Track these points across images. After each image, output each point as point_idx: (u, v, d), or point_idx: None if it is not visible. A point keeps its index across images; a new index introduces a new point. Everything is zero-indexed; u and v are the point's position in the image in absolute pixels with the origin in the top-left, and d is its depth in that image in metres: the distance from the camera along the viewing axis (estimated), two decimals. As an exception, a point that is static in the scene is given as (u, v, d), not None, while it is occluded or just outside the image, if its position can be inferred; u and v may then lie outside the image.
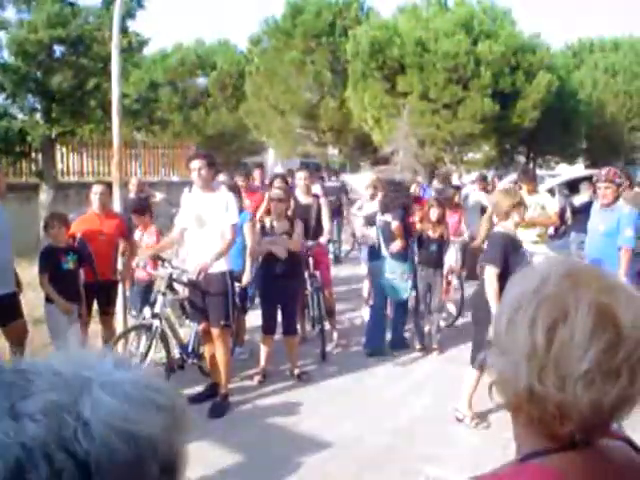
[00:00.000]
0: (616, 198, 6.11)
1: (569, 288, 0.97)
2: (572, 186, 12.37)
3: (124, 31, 13.92)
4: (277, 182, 7.43)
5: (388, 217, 6.99)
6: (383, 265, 7.01)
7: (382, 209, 7.18)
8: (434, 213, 7.07)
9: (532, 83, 21.30)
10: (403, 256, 6.99)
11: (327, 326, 7.36)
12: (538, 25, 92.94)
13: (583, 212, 7.70)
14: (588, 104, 27.33)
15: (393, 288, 7.04)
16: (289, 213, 6.71)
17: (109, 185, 6.55)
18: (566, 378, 0.93)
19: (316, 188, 8.77)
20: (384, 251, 7.01)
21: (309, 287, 7.09)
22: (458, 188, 9.26)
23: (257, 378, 6.24)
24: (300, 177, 7.42)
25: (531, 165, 26.52)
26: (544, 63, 22.33)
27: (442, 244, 7.15)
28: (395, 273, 6.98)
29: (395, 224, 6.83)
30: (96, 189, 6.22)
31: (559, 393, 0.94)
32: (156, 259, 5.86)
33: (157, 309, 5.47)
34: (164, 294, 5.57)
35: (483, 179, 10.98)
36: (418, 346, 7.17)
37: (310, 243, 6.98)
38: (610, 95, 28.44)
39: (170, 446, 0.69)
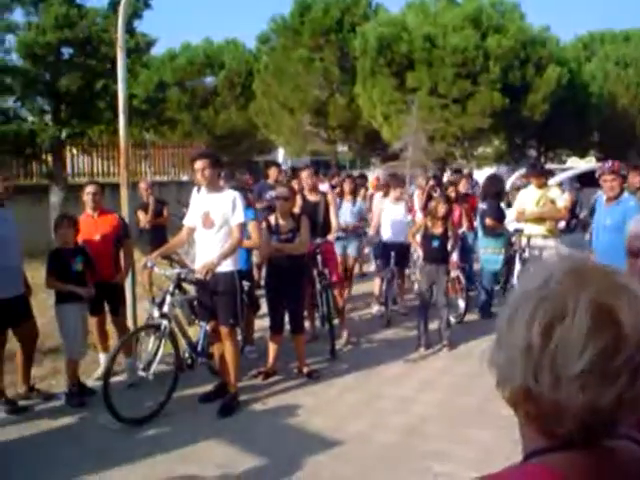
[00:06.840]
0: (622, 191, 6.03)
1: (571, 286, 0.95)
2: (582, 180, 12.29)
3: (131, 32, 13.97)
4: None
5: (484, 205, 8.57)
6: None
7: (481, 197, 8.92)
8: (442, 209, 7.04)
9: (542, 76, 21.14)
10: (496, 234, 8.38)
11: (337, 323, 7.34)
12: (547, 18, 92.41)
13: None
14: (599, 96, 27.05)
15: (487, 260, 8.45)
16: (296, 211, 6.68)
17: (102, 185, 6.52)
18: (561, 378, 0.92)
19: (324, 186, 8.76)
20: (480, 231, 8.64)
21: (318, 285, 7.06)
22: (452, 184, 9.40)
23: (260, 377, 6.25)
24: (305, 175, 7.38)
25: (542, 159, 26.36)
26: (554, 56, 22.16)
27: (445, 240, 7.11)
28: (488, 248, 8.40)
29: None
30: (89, 189, 6.18)
31: (554, 393, 0.92)
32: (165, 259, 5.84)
33: (165, 309, 5.46)
34: (172, 294, 5.56)
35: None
36: (425, 344, 7.12)
37: (318, 240, 6.95)
38: (622, 87, 28.17)
39: None
